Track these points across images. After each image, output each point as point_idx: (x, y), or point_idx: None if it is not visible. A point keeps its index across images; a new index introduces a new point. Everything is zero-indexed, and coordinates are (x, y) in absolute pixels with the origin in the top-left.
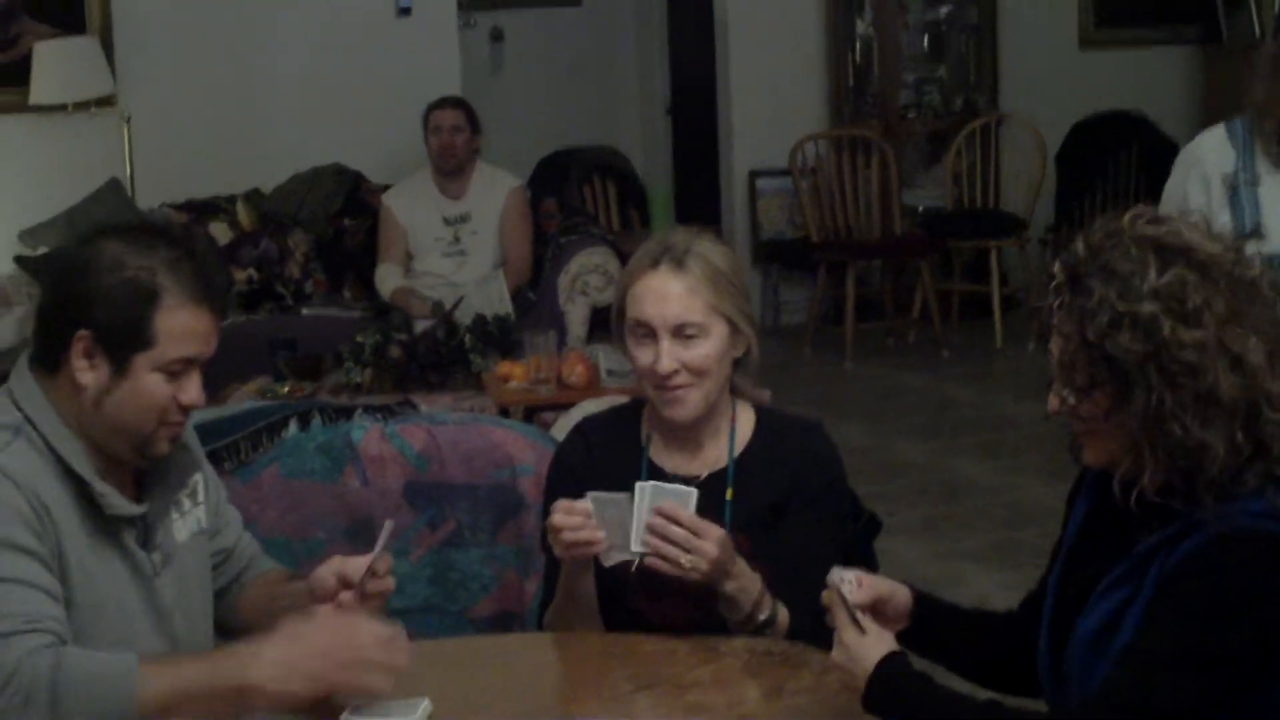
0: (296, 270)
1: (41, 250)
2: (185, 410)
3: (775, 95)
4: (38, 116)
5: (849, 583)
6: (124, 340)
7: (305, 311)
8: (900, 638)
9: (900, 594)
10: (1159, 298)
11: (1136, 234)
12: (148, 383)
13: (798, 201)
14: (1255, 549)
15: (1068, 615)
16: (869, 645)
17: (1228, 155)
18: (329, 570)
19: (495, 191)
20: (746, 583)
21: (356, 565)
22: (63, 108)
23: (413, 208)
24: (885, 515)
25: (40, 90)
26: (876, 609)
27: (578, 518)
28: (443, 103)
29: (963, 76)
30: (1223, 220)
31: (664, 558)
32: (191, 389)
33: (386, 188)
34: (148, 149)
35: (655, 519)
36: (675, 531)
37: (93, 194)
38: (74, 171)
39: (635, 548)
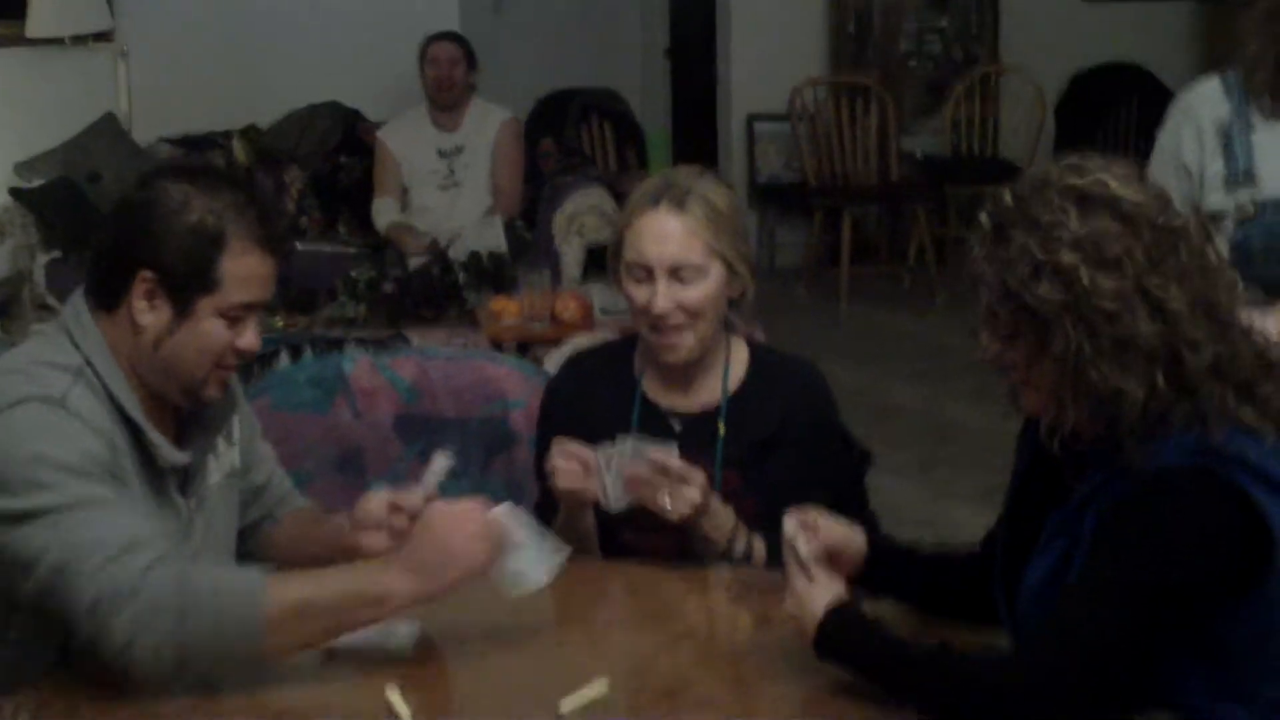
0: (292, 206)
1: (37, 182)
2: (240, 355)
3: (775, 40)
4: (34, 49)
5: (801, 535)
6: (188, 283)
7: (300, 247)
8: (861, 581)
9: (855, 541)
10: (1079, 247)
11: (1061, 184)
12: (208, 326)
13: (796, 146)
14: (1185, 483)
15: (1017, 566)
16: (818, 593)
17: (1222, 104)
18: (377, 499)
19: (489, 124)
20: (721, 520)
21: (408, 496)
22: (60, 41)
23: (407, 141)
24: (878, 457)
25: (37, 23)
26: (831, 557)
27: (575, 464)
28: (440, 36)
29: (964, 26)
30: (1216, 167)
31: (645, 499)
32: (250, 334)
33: (384, 125)
34: (144, 84)
35: (639, 468)
36: (657, 479)
37: (88, 128)
38: (70, 105)
39: (613, 502)
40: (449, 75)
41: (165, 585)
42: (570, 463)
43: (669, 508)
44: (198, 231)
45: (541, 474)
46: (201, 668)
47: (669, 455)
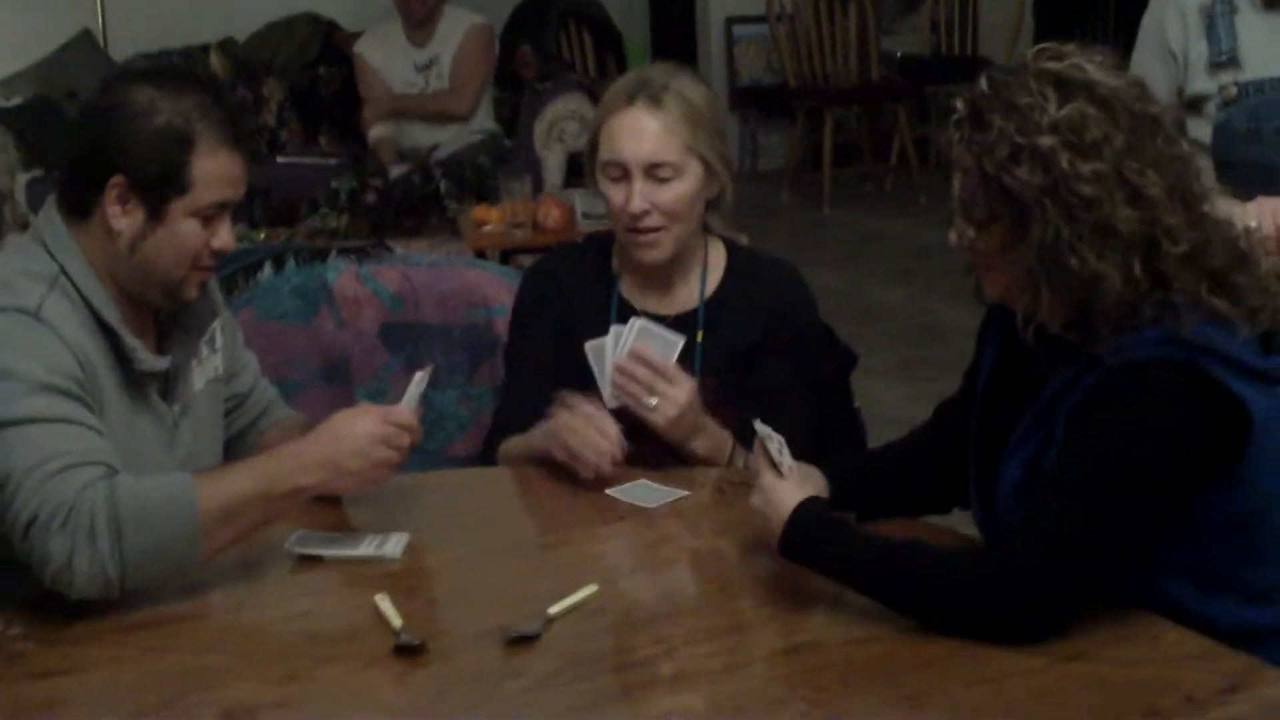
0: (271, 119)
1: (14, 101)
2: (216, 255)
3: None
4: None
5: (774, 439)
6: (159, 186)
7: (280, 160)
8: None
9: (813, 478)
10: (1057, 130)
11: (1038, 69)
12: (182, 227)
13: (775, 48)
14: (1156, 375)
15: (991, 464)
16: (786, 490)
17: None
18: None
19: (458, 32)
20: (718, 441)
21: (399, 415)
22: None
23: (384, 56)
24: (862, 359)
25: None
26: None
27: (607, 445)
28: None
29: None
30: (1199, 49)
31: (630, 395)
32: (224, 233)
33: (361, 35)
34: None
35: (623, 359)
36: (640, 373)
37: (64, 44)
38: (46, 23)
39: (606, 394)
40: None
41: (99, 503)
42: (604, 441)
43: (652, 406)
44: (166, 134)
45: (511, 361)
46: (139, 580)
47: (649, 350)
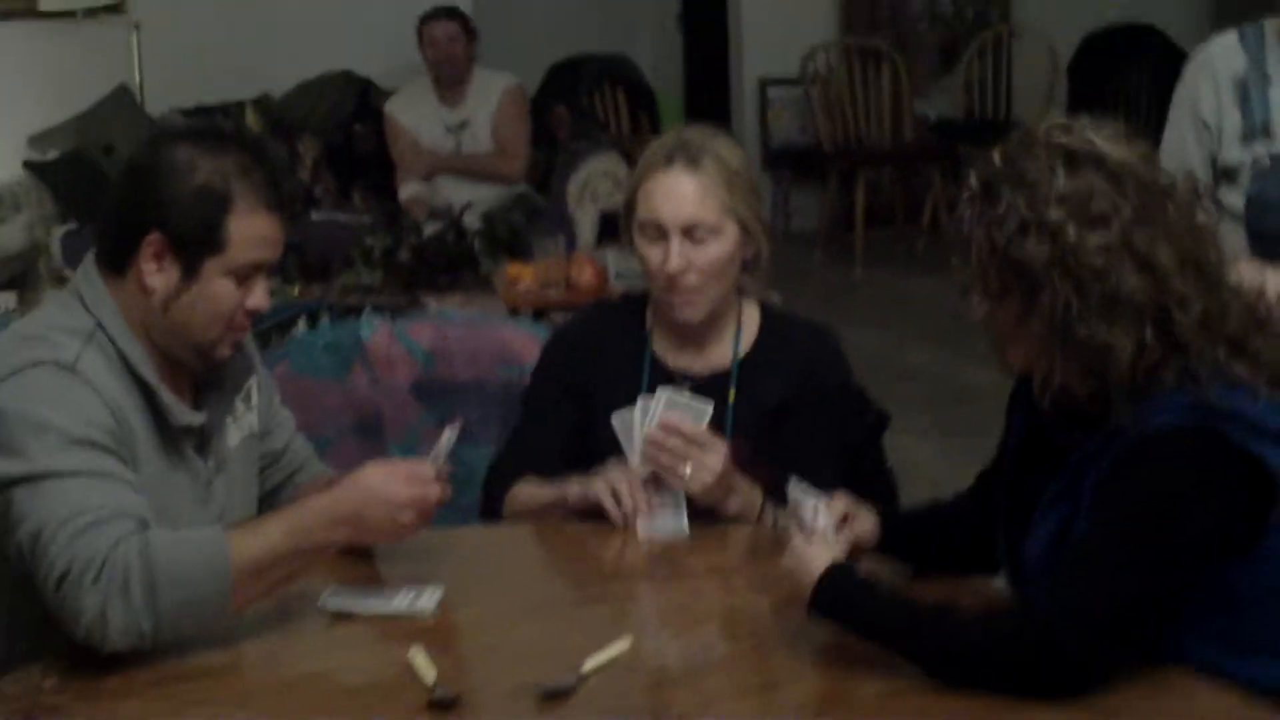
0: (306, 176)
1: (51, 155)
2: (251, 315)
3: (786, 3)
4: (47, 22)
5: (811, 501)
6: (195, 244)
7: (315, 216)
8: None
9: (868, 520)
10: (1065, 203)
11: (1048, 142)
12: (217, 287)
13: (809, 109)
14: (1180, 442)
15: (1019, 531)
16: (816, 552)
17: (1239, 58)
18: None
19: (491, 94)
20: (749, 498)
21: (424, 473)
22: (72, 14)
23: (414, 117)
24: (895, 420)
25: None
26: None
27: (641, 504)
28: (436, 14)
29: None
30: (1233, 120)
31: (663, 467)
32: (259, 294)
33: (389, 99)
34: (157, 55)
35: (655, 432)
36: (674, 443)
37: (102, 100)
38: (83, 78)
39: (635, 462)
40: (448, 53)
41: (132, 557)
42: (629, 499)
43: (686, 475)
44: (204, 192)
45: (527, 407)
46: (172, 634)
47: (682, 421)
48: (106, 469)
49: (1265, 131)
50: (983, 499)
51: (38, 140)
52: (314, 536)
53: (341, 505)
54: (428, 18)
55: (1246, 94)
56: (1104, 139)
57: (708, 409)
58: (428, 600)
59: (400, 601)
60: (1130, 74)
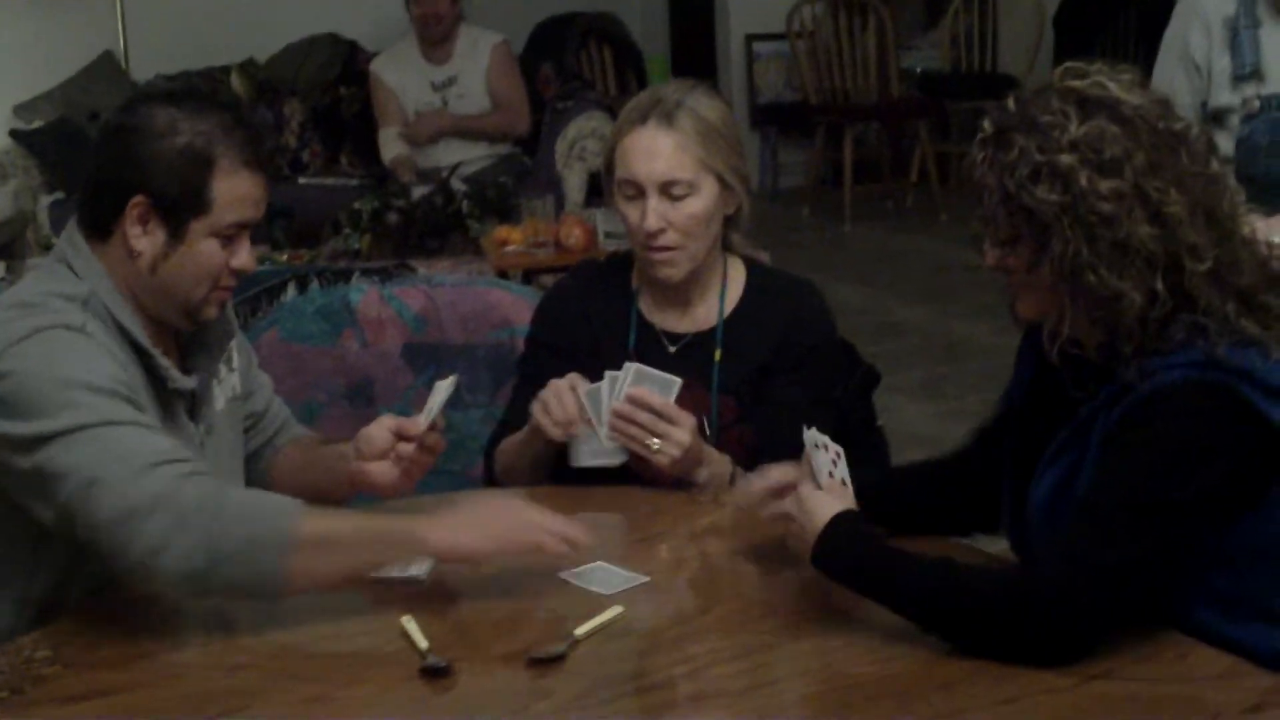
0: (293, 140)
1: (36, 124)
2: (236, 274)
3: None
4: None
5: (830, 449)
6: (180, 206)
7: (302, 180)
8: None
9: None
10: (1077, 148)
11: (1061, 87)
12: (203, 247)
13: (795, 65)
14: (1190, 397)
15: (1024, 481)
16: (823, 500)
17: (1229, 1)
18: (381, 427)
19: (479, 51)
20: (718, 468)
21: (411, 422)
22: None
23: (401, 75)
24: (884, 376)
25: None
26: None
27: (570, 409)
28: None
29: None
30: (1222, 63)
31: (631, 440)
32: (244, 253)
33: (375, 58)
34: (141, 21)
35: (622, 405)
36: (641, 417)
37: (87, 67)
38: (68, 45)
39: (603, 435)
40: (434, 11)
41: (203, 492)
42: (564, 406)
43: (655, 449)
44: (186, 154)
45: (521, 374)
46: (225, 581)
47: (650, 394)
48: (140, 418)
49: (1255, 74)
50: (976, 456)
51: (23, 109)
52: (391, 527)
53: (445, 517)
54: None
55: (1237, 36)
56: (1118, 84)
57: (677, 382)
58: (418, 567)
59: (392, 568)
60: (1117, 24)
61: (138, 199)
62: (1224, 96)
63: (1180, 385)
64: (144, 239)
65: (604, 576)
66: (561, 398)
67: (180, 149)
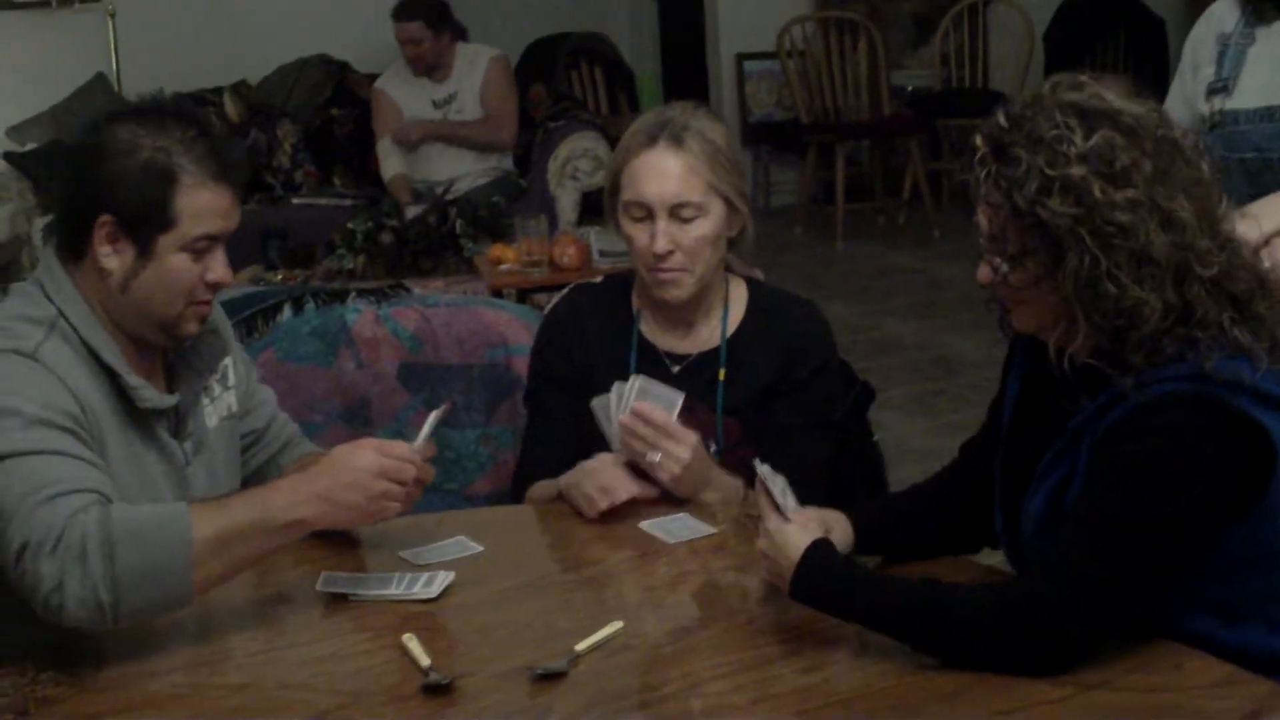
0: (286, 160)
1: (29, 146)
2: (212, 288)
3: None
4: (23, 12)
5: (777, 481)
6: (145, 222)
7: (295, 201)
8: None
9: (839, 524)
10: (1088, 160)
11: (1059, 100)
12: (173, 263)
13: (786, 83)
14: (1181, 409)
15: (1017, 497)
16: (794, 534)
17: (1232, 15)
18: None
19: (476, 66)
20: (727, 491)
21: (399, 449)
22: (47, 3)
23: (402, 92)
24: (878, 392)
25: None
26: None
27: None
28: (398, 14)
29: None
30: (1207, 73)
31: (636, 453)
32: (218, 266)
33: (374, 76)
34: (134, 43)
35: (627, 418)
36: (644, 430)
37: (79, 89)
38: (60, 67)
39: (615, 448)
40: (415, 53)
41: (91, 527)
42: (606, 491)
43: (656, 463)
44: (148, 170)
45: (533, 405)
46: (132, 609)
47: (652, 409)
48: (66, 448)
49: (1224, 88)
50: (967, 472)
51: (16, 131)
52: (283, 514)
53: (313, 481)
54: (393, 16)
55: (1225, 49)
56: (1114, 95)
57: (678, 398)
58: (431, 585)
59: (395, 586)
60: (1106, 41)
61: (104, 218)
62: (1201, 106)
63: (1171, 397)
64: (114, 258)
65: (675, 527)
66: (612, 488)
67: (141, 165)
